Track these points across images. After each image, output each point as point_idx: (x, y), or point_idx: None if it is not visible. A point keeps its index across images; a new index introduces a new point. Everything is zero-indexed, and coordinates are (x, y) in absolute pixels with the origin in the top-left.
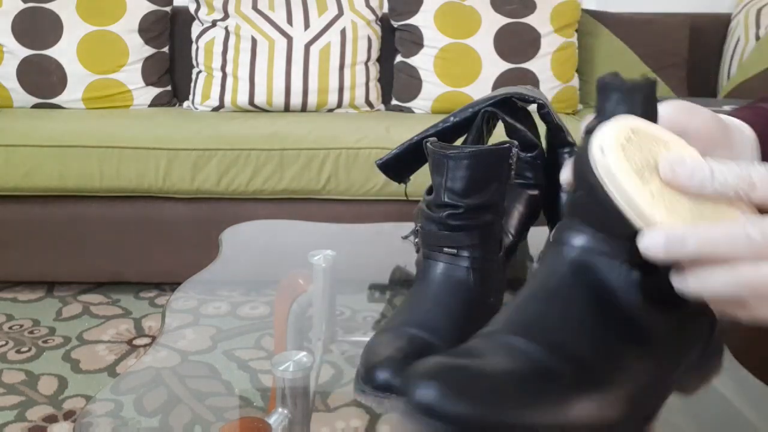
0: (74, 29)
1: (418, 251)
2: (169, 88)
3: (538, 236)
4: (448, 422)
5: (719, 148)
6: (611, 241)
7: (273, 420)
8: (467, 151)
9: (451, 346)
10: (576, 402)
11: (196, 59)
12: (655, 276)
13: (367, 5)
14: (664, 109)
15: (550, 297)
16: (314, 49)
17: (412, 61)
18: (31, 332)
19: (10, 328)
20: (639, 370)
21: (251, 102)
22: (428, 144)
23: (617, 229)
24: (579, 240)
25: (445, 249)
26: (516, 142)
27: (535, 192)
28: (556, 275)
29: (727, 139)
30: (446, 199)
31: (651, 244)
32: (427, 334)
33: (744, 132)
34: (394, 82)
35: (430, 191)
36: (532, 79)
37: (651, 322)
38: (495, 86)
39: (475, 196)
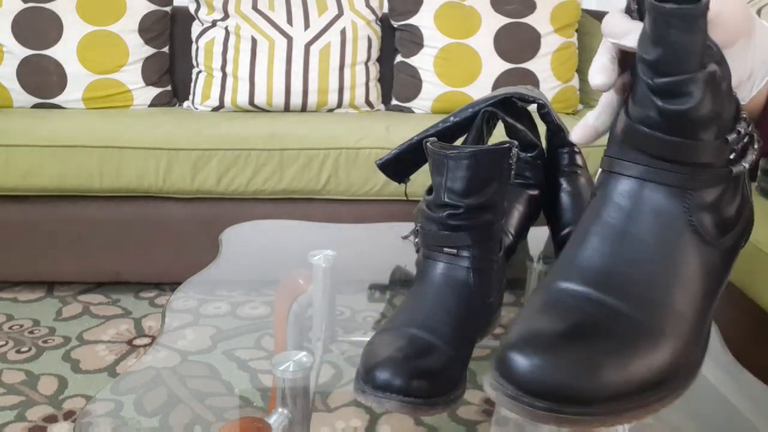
0: (74, 29)
1: (418, 251)
2: (169, 88)
3: (538, 236)
4: (544, 395)
5: (741, 38)
6: (669, 169)
7: (273, 420)
8: (467, 151)
9: (451, 346)
10: (664, 345)
11: (196, 59)
12: (714, 197)
13: (367, 5)
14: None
15: (612, 239)
16: (314, 49)
17: (412, 61)
18: (31, 332)
19: (10, 328)
20: (703, 290)
21: (251, 102)
22: (428, 144)
23: (675, 155)
24: (635, 170)
25: (445, 249)
26: (516, 142)
27: (535, 192)
28: (617, 211)
29: (750, 31)
30: (446, 199)
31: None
32: (427, 334)
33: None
34: (394, 82)
35: (430, 191)
36: (532, 79)
37: (714, 241)
38: (495, 86)
39: (475, 196)
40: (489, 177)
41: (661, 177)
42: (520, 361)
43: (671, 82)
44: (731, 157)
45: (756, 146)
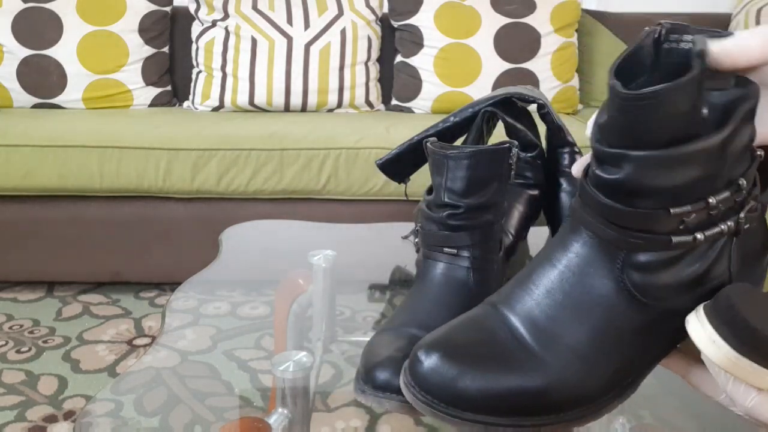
0: (74, 29)
1: (418, 251)
2: (169, 88)
3: (538, 236)
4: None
5: None
6: (607, 226)
7: (273, 420)
8: (467, 151)
9: None
10: (550, 379)
11: (196, 59)
12: (651, 261)
13: (367, 5)
14: (743, 37)
15: (548, 278)
16: (314, 49)
17: (412, 61)
18: (31, 332)
19: (10, 328)
20: (626, 344)
21: (251, 102)
22: (428, 144)
23: (609, 216)
24: (584, 222)
25: (445, 249)
26: (516, 142)
27: (535, 192)
28: (562, 255)
29: None
30: (446, 199)
31: None
32: (427, 334)
33: None
34: (394, 82)
35: (430, 191)
36: (532, 79)
37: (650, 301)
38: (495, 86)
39: (475, 196)
40: (489, 177)
41: (600, 232)
42: (422, 359)
43: (604, 151)
44: (680, 227)
45: (729, 223)
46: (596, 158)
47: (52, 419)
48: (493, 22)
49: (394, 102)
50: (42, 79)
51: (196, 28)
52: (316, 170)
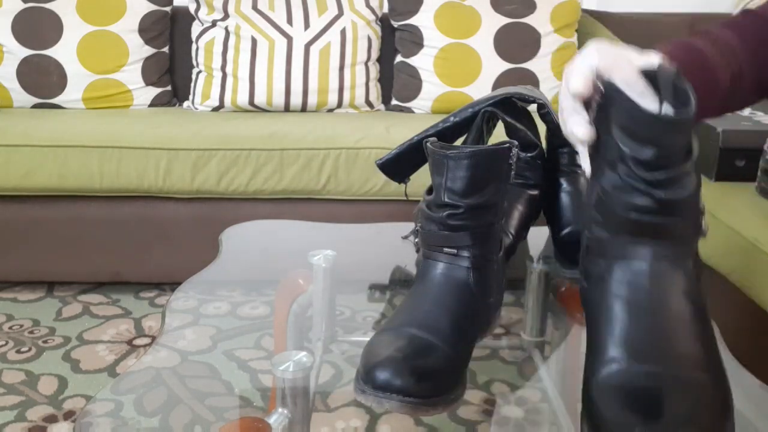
0: (74, 29)
1: (418, 251)
2: (169, 88)
3: (538, 236)
4: None
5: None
6: (672, 245)
7: (273, 420)
8: (467, 151)
9: (451, 346)
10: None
11: (196, 59)
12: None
13: (367, 5)
14: (590, 56)
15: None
16: (314, 49)
17: (412, 61)
18: (31, 332)
19: (10, 328)
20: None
21: (251, 102)
22: (428, 144)
23: (674, 232)
24: (644, 253)
25: (445, 249)
26: (516, 142)
27: (535, 192)
28: (639, 291)
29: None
30: (446, 199)
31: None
32: (427, 334)
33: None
34: (394, 82)
35: (430, 191)
36: (532, 79)
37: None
38: (495, 86)
39: (475, 196)
40: (489, 177)
41: (661, 250)
42: None
43: (667, 177)
44: (704, 212)
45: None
46: (654, 185)
47: (52, 419)
48: (493, 22)
49: (394, 102)
50: (42, 79)
51: (196, 28)
52: (316, 170)
